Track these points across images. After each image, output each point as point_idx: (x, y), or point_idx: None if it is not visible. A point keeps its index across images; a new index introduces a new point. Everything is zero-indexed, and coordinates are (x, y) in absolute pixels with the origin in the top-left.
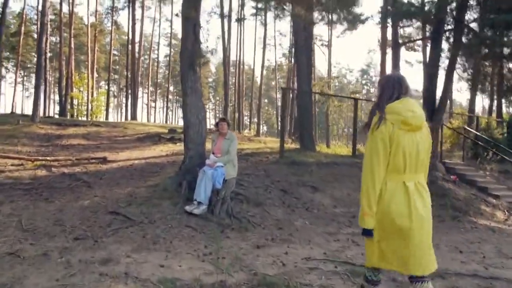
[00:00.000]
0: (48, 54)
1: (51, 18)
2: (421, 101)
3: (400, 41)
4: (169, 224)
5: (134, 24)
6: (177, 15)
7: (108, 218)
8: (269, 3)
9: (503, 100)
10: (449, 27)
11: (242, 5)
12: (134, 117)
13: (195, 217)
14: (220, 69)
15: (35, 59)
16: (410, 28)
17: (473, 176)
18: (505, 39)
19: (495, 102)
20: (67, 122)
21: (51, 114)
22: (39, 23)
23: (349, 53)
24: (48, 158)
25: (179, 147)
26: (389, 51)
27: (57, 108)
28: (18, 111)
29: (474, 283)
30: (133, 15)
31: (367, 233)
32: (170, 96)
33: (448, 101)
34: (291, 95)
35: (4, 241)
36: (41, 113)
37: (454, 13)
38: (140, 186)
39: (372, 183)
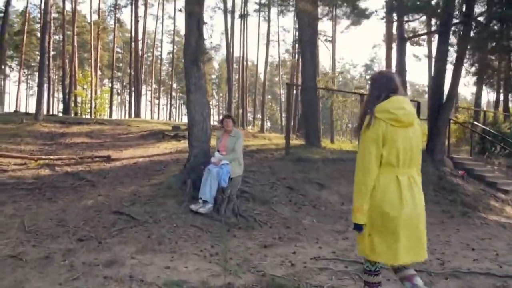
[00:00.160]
0: (52, 53)
1: (54, 17)
2: (421, 98)
3: (406, 35)
4: (174, 224)
5: (137, 21)
6: (180, 10)
7: (112, 218)
8: None
9: (510, 94)
10: (456, 20)
11: (245, 1)
12: (137, 114)
13: (201, 216)
14: (223, 66)
15: (39, 57)
16: (415, 23)
17: (481, 171)
18: None
19: (502, 96)
20: (71, 120)
21: (55, 112)
22: (42, 21)
23: (353, 48)
24: (51, 157)
25: (183, 144)
26: (394, 46)
27: (61, 106)
28: (22, 110)
29: (489, 283)
30: (136, 13)
31: (358, 228)
32: (173, 93)
33: None
34: (294, 91)
35: (6, 243)
36: (44, 111)
37: (463, 6)
38: (144, 185)
39: (365, 182)
